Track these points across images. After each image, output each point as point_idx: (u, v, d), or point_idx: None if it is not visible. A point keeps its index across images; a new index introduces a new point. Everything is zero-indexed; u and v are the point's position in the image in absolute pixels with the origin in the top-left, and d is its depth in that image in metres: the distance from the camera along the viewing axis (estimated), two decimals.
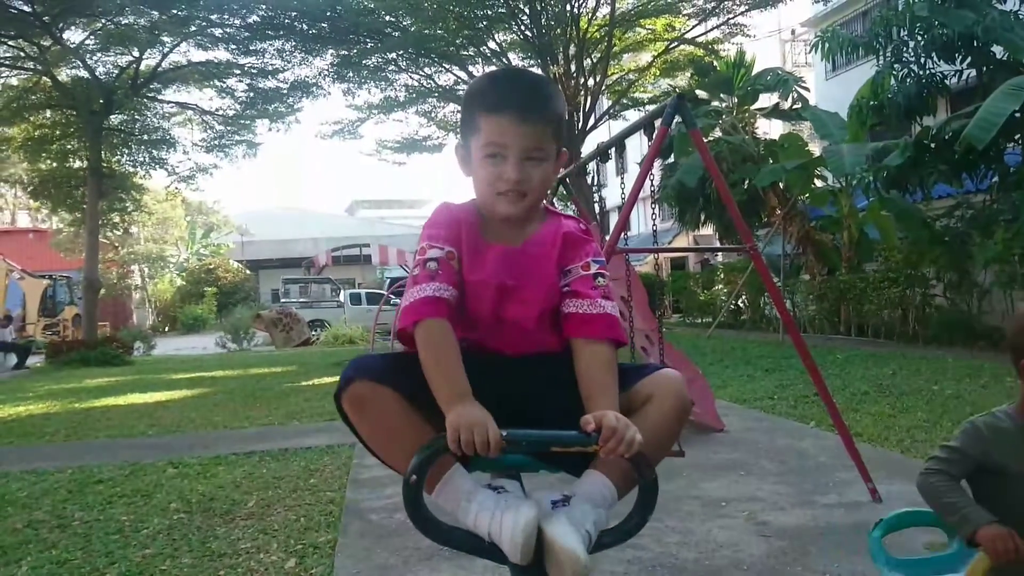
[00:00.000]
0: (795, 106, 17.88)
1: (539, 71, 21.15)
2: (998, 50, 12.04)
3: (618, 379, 1.48)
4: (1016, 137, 11.16)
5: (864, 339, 13.52)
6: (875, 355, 10.67)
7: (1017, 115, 9.97)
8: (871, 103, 13.36)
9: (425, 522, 1.31)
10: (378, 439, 1.46)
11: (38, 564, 3.66)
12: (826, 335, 14.75)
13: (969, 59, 12.32)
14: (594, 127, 21.41)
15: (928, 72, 12.81)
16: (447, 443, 1.26)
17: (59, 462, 6.08)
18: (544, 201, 1.57)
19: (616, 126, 21.56)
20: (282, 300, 29.16)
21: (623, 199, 4.10)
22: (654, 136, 3.93)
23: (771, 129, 20.76)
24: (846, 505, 3.90)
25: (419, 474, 1.27)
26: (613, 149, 4.75)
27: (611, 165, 5.61)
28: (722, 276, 19.90)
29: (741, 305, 19.15)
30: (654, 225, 4.70)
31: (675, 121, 4.06)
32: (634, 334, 5.67)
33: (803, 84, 18.25)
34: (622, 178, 4.53)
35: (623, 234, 4.19)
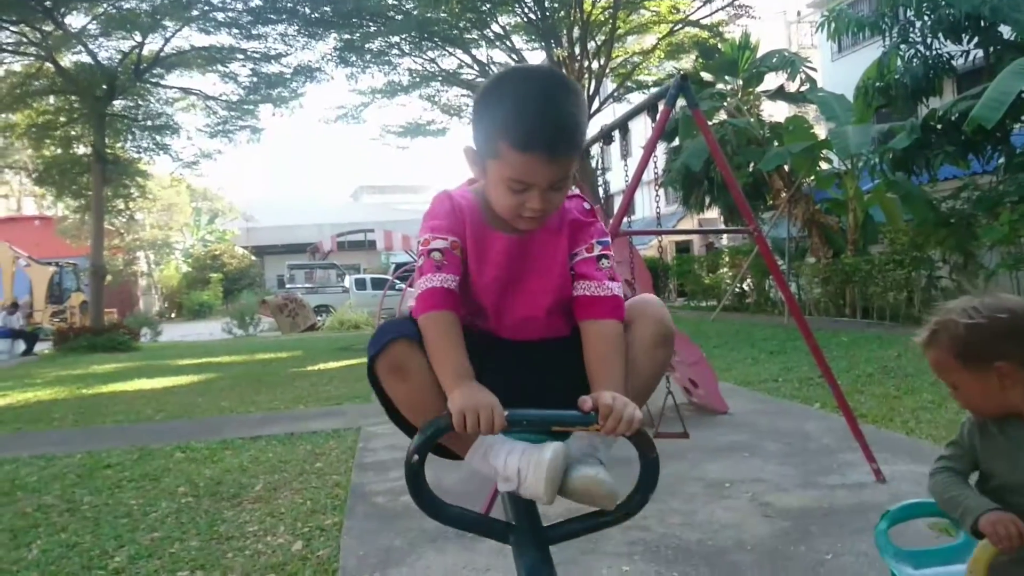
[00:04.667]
0: (801, 88, 17.77)
1: (543, 54, 21.06)
2: (1005, 30, 11.95)
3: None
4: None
5: (870, 321, 13.49)
6: (880, 337, 10.65)
7: None
8: (877, 84, 13.27)
9: (426, 502, 1.32)
10: (415, 405, 1.45)
11: (48, 547, 3.70)
12: (831, 318, 14.72)
13: (976, 39, 12.23)
14: (598, 110, 21.32)
15: (935, 53, 12.72)
16: (451, 423, 1.27)
17: (68, 447, 6.13)
18: None
19: (620, 109, 21.44)
20: (287, 286, 29.23)
21: (627, 182, 4.09)
22: (657, 117, 3.92)
23: (776, 112, 20.63)
24: (849, 486, 3.91)
25: (421, 454, 1.28)
26: (617, 132, 4.73)
27: (615, 148, 5.57)
28: (727, 259, 19.88)
29: (746, 288, 19.12)
30: (657, 208, 4.69)
31: (678, 103, 4.04)
32: None
33: (809, 65, 18.11)
34: (625, 161, 4.52)
35: (626, 217, 4.18)
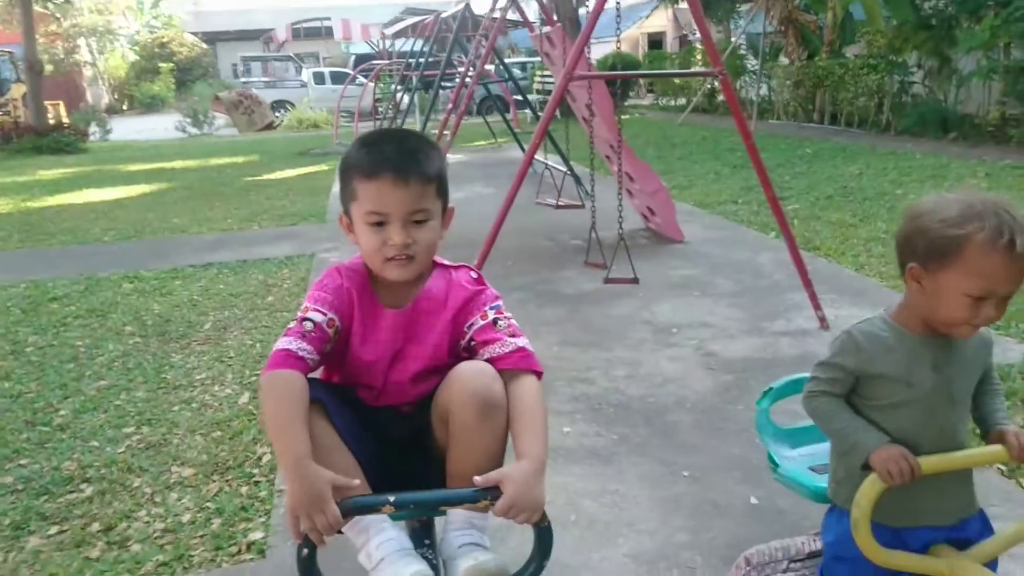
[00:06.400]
0: None
1: None
2: None
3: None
4: None
5: (837, 128, 13.31)
6: (845, 149, 10.54)
7: None
8: None
9: None
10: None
11: None
12: (799, 123, 14.49)
13: None
14: None
15: None
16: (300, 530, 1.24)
17: (12, 274, 5.99)
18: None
19: None
20: (242, 79, 27.83)
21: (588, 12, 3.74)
22: None
23: None
24: (793, 333, 3.96)
25: (311, 548, 1.25)
26: None
27: None
28: (699, 58, 19.16)
29: (716, 86, 18.58)
30: (618, 26, 4.30)
31: None
32: (596, 144, 5.47)
33: None
34: None
35: (584, 53, 3.87)
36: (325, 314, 1.44)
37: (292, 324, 1.43)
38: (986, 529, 1.52)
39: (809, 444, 1.89)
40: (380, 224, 1.41)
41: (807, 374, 1.63)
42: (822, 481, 1.66)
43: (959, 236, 1.31)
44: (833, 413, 1.48)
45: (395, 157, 1.41)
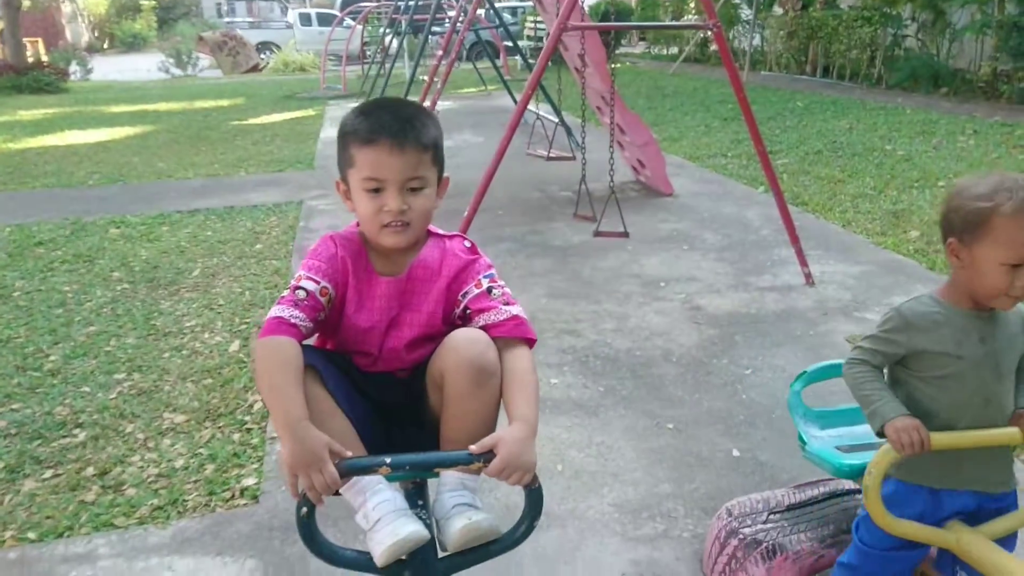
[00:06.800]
0: None
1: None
2: None
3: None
4: None
5: (829, 81, 13.23)
6: (836, 103, 10.50)
7: None
8: None
9: (319, 548, 1.33)
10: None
11: None
12: (792, 74, 14.40)
13: None
14: None
15: None
16: (303, 490, 1.27)
17: None
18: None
19: None
20: (226, 19, 27.25)
21: None
22: None
23: None
24: (779, 289, 4.00)
25: (310, 507, 1.28)
26: None
27: None
28: (693, 5, 18.88)
29: (709, 36, 18.35)
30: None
31: None
32: (588, 95, 5.43)
33: None
34: None
35: (578, 1, 3.82)
36: (318, 282, 1.45)
37: (285, 293, 1.44)
38: (1014, 507, 1.58)
39: (839, 427, 1.94)
40: (377, 191, 1.43)
41: (839, 360, 1.73)
42: (848, 459, 1.74)
43: (987, 208, 1.41)
44: (865, 381, 1.56)
45: (392, 124, 1.42)
